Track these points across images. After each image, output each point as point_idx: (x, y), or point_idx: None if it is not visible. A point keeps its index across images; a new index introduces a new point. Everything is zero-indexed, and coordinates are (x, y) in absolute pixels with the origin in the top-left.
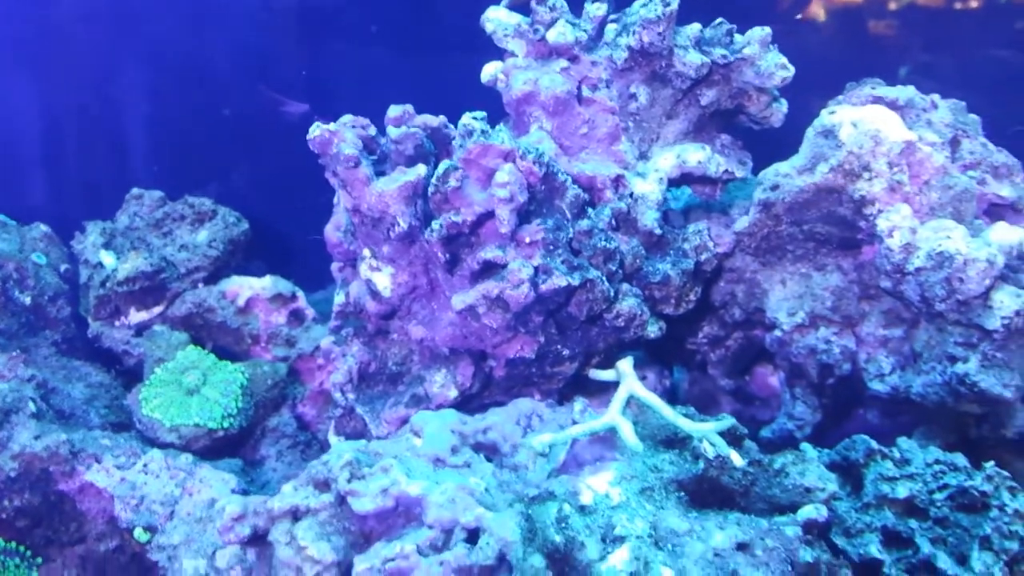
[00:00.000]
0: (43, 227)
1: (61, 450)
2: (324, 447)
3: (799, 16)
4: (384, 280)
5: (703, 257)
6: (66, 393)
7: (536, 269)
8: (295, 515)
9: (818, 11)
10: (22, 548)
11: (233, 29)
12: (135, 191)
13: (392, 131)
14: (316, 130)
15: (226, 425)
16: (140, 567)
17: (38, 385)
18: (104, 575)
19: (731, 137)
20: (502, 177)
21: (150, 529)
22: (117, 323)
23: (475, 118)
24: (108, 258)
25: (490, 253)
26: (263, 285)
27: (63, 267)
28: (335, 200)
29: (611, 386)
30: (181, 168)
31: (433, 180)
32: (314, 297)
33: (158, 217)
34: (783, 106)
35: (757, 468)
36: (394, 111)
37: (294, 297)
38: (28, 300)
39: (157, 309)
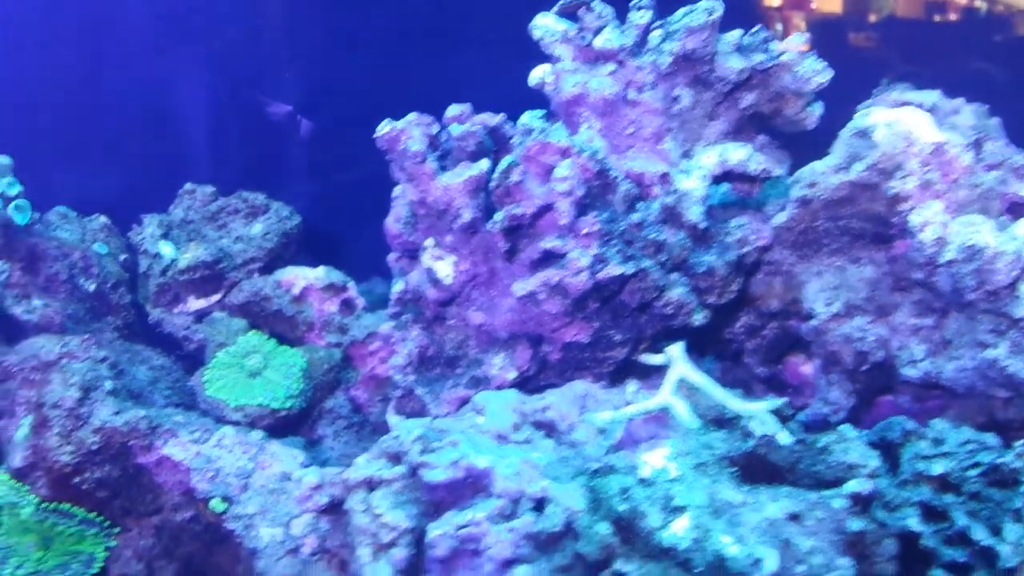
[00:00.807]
0: (103, 218)
1: (140, 425)
2: (377, 428)
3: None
4: (446, 268)
5: (745, 250)
6: (132, 375)
7: (593, 258)
8: (370, 485)
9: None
10: (100, 518)
11: (286, 27)
12: (188, 186)
13: (455, 128)
14: (385, 127)
15: (288, 405)
16: (214, 536)
17: (111, 365)
18: (179, 544)
19: (768, 137)
20: (562, 172)
21: (226, 500)
22: (176, 310)
23: (534, 117)
24: (167, 248)
25: (550, 243)
26: (317, 275)
27: (122, 257)
28: (394, 194)
29: (657, 370)
30: (232, 165)
31: (496, 175)
32: (358, 289)
33: (213, 210)
34: (818, 109)
35: (802, 446)
36: (454, 110)
37: (345, 287)
38: (92, 287)
39: (215, 297)
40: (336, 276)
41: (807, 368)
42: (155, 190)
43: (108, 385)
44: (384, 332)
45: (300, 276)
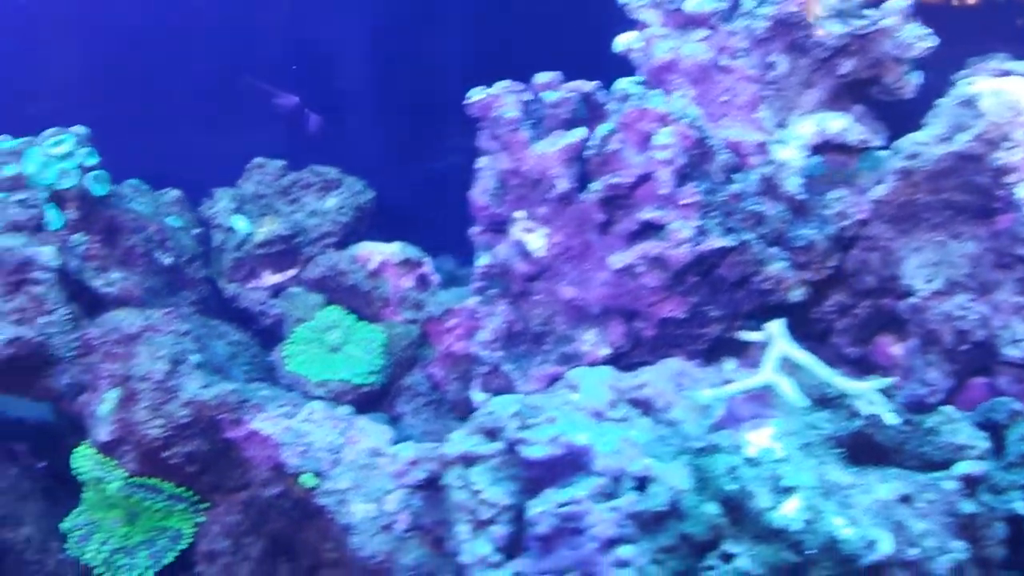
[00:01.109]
0: (175, 192)
1: (229, 399)
2: (454, 407)
3: None
4: (538, 241)
5: (844, 224)
6: (212, 350)
7: (695, 230)
8: (467, 461)
9: None
10: (188, 494)
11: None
12: (258, 160)
13: (549, 95)
14: (479, 94)
15: (371, 381)
16: (302, 512)
17: (195, 339)
18: (267, 520)
19: (864, 107)
20: (662, 139)
21: (318, 475)
22: (251, 285)
23: (632, 82)
24: (240, 222)
25: (649, 214)
26: (392, 251)
27: (195, 231)
28: (479, 165)
29: (752, 348)
30: (302, 139)
31: (593, 143)
32: None
33: (285, 184)
34: (916, 77)
35: (908, 427)
36: (543, 77)
37: (421, 263)
38: (168, 261)
39: (291, 272)
40: (412, 252)
41: (897, 349)
42: (223, 164)
43: (194, 359)
44: (469, 307)
45: (376, 251)
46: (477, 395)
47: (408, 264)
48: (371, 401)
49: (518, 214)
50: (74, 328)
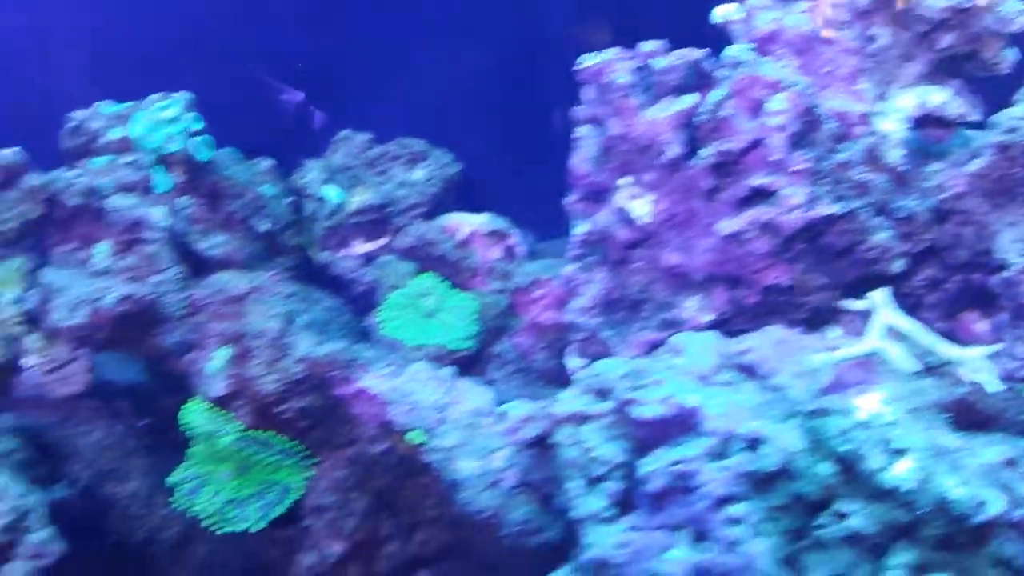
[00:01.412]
0: (268, 161)
1: (340, 357)
2: (542, 375)
3: None
4: (644, 207)
5: (943, 196)
6: (313, 313)
7: (807, 196)
8: (578, 420)
9: None
10: (299, 449)
11: None
12: (344, 132)
13: (659, 62)
14: (591, 59)
15: (465, 347)
16: (408, 469)
17: (299, 300)
18: (372, 476)
19: (962, 81)
20: (775, 106)
21: (423, 433)
22: (342, 253)
23: (744, 49)
24: (332, 192)
25: (759, 180)
26: (481, 221)
27: (286, 200)
28: (579, 133)
29: (852, 317)
30: (385, 111)
31: (704, 109)
32: None
33: (372, 157)
34: (1013, 53)
35: (1011, 394)
36: (650, 45)
37: (508, 234)
38: (264, 228)
39: (381, 241)
40: (500, 223)
41: (982, 325)
42: (309, 136)
43: (301, 319)
44: (565, 275)
45: (465, 222)
46: (573, 361)
47: (496, 235)
48: (463, 367)
49: (622, 181)
50: (183, 288)
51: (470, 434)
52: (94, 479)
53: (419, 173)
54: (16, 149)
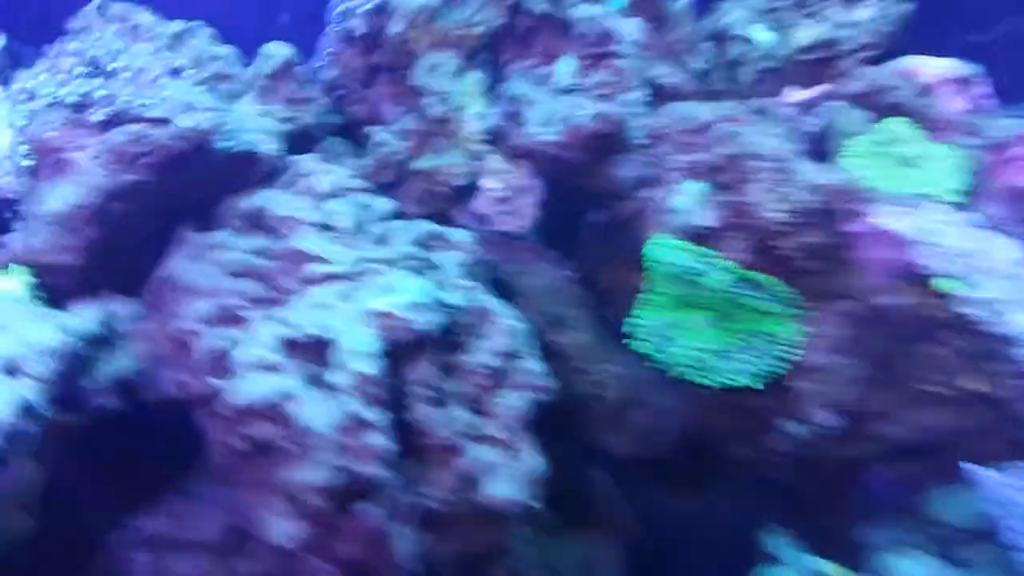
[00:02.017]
0: None
1: (850, 186)
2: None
3: None
4: None
5: None
6: None
7: None
8: None
9: None
10: (794, 295)
11: None
12: None
13: None
14: None
15: (956, 199)
16: (926, 325)
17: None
18: (875, 335)
19: None
20: None
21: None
22: (775, 100)
23: None
24: (762, 33)
25: None
26: (946, 66)
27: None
28: None
29: None
30: None
31: None
32: None
33: None
34: None
35: None
36: None
37: (977, 82)
38: (699, 66)
39: (820, 88)
40: (969, 68)
41: None
42: None
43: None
44: None
45: (926, 66)
46: None
47: (964, 83)
48: None
49: None
50: (645, 114)
51: (1015, 286)
52: (540, 324)
53: (864, 12)
54: None
